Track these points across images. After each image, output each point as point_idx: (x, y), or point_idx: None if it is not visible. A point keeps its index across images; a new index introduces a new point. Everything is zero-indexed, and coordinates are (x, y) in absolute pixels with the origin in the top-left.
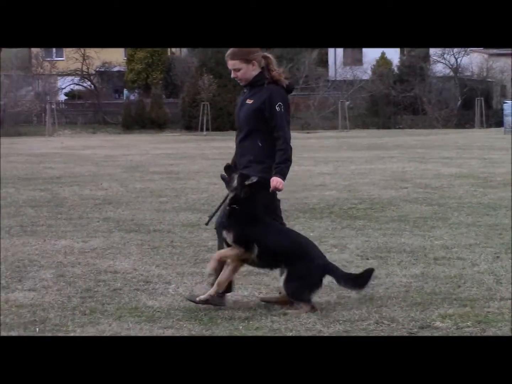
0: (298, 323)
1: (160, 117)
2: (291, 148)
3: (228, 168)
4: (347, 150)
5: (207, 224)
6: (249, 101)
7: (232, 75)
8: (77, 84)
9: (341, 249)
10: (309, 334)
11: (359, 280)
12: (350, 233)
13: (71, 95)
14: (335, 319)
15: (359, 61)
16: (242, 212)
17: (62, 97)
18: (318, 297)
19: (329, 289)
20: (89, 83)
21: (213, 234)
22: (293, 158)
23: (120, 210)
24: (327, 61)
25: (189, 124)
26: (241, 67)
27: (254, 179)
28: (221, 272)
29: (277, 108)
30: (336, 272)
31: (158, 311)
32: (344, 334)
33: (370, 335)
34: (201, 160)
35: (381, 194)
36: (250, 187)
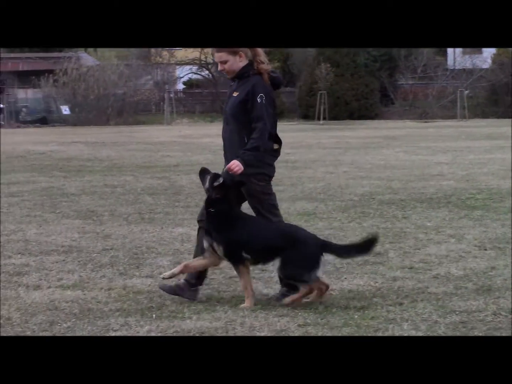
0: (414, 313)
1: (277, 106)
2: (265, 140)
3: (203, 171)
4: (466, 139)
5: None
6: (235, 94)
7: (219, 68)
8: (195, 73)
9: (458, 239)
10: (425, 324)
11: (362, 248)
12: (468, 224)
13: (189, 84)
14: (451, 310)
15: (478, 50)
16: (219, 215)
17: (180, 86)
18: (434, 287)
19: (445, 279)
20: (207, 72)
21: (329, 223)
22: (410, 147)
23: None
24: (446, 50)
25: (306, 113)
26: (228, 59)
27: (221, 179)
28: (195, 259)
29: (258, 99)
30: (333, 247)
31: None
32: (461, 325)
33: (487, 326)
34: (318, 149)
35: (500, 185)
36: (221, 188)
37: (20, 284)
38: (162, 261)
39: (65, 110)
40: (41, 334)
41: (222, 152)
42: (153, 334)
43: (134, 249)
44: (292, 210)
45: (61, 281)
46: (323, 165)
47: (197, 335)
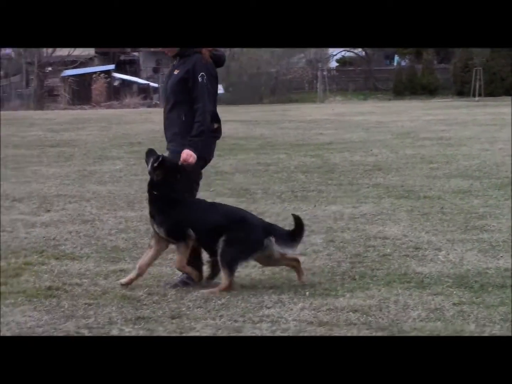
0: None
1: (431, 83)
2: (208, 121)
3: (149, 152)
4: None
5: None
6: (176, 72)
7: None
8: (348, 51)
9: None
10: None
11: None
12: None
13: (342, 61)
14: None
15: None
16: (161, 197)
17: (333, 64)
18: None
19: None
20: (360, 49)
21: (485, 201)
22: None
23: (390, 176)
24: None
25: (461, 90)
26: None
27: (159, 159)
28: (143, 255)
29: (199, 78)
30: (277, 230)
31: (427, 278)
32: None
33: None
34: (473, 126)
35: None
36: (161, 169)
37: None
38: (316, 239)
39: (219, 89)
40: (195, 311)
41: (375, 130)
42: (306, 312)
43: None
44: (447, 187)
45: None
46: (478, 142)
47: (351, 312)
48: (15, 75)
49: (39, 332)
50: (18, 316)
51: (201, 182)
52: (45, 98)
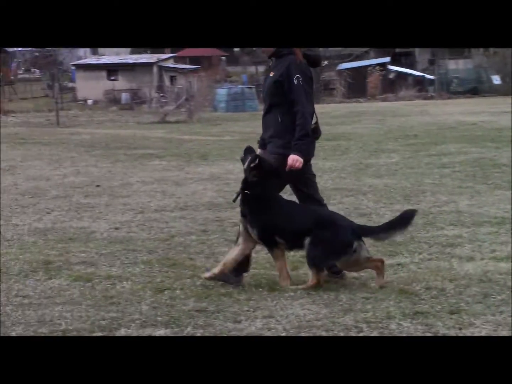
0: None
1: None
2: (310, 123)
3: (247, 150)
4: None
5: (234, 201)
6: (271, 74)
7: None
8: None
9: None
10: None
11: (400, 223)
12: None
13: None
14: None
15: None
16: (255, 197)
17: None
18: None
19: None
20: None
21: None
22: None
23: None
24: None
25: None
26: None
27: (257, 161)
28: (230, 252)
29: (294, 81)
30: (369, 230)
31: None
32: None
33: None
34: None
35: None
36: (257, 170)
37: (453, 255)
38: None
39: (496, 79)
40: (474, 306)
41: None
42: None
43: None
44: None
45: (494, 252)
46: None
47: None
48: None
49: (317, 325)
50: (298, 309)
51: (478, 175)
52: (321, 91)
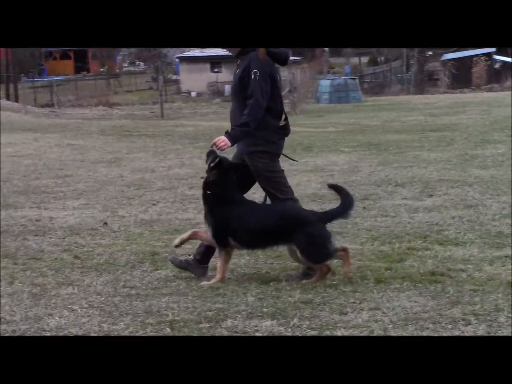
0: None
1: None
2: (256, 116)
3: (209, 153)
4: None
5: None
6: (237, 71)
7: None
8: None
9: None
10: None
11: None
12: None
13: None
14: None
15: None
16: (213, 197)
17: None
18: None
19: None
20: None
21: None
22: None
23: None
24: None
25: None
26: None
27: (216, 159)
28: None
29: (252, 75)
30: (335, 213)
31: None
32: None
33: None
34: None
35: None
36: (217, 170)
37: None
38: None
39: None
40: None
41: None
42: None
43: None
44: None
45: None
46: None
47: None
48: (395, 60)
49: (424, 317)
50: (404, 301)
51: None
52: (424, 82)
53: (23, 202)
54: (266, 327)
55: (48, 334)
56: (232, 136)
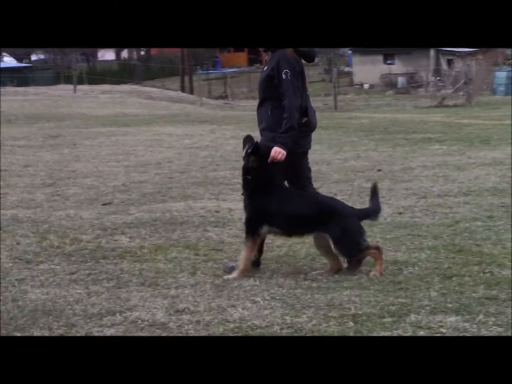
0: None
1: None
2: (296, 116)
3: (246, 139)
4: None
5: None
6: (265, 68)
7: None
8: None
9: None
10: None
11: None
12: None
13: None
14: None
15: None
16: (255, 182)
17: None
18: None
19: None
20: None
21: None
22: None
23: None
24: None
25: None
26: None
27: (253, 145)
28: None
29: (283, 75)
30: (369, 212)
31: None
32: None
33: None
34: None
35: None
36: (256, 157)
37: None
38: None
39: None
40: None
41: None
42: None
43: None
44: None
45: None
46: None
47: None
48: None
49: None
50: None
51: None
52: None
53: (202, 193)
54: (450, 322)
55: (231, 325)
56: (284, 144)
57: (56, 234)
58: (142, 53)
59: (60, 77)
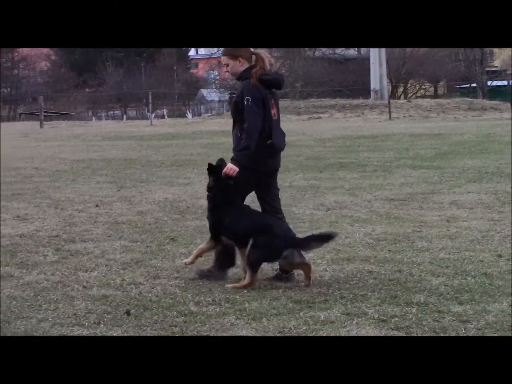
0: None
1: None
2: (253, 138)
3: (218, 161)
4: None
5: None
6: (235, 95)
7: (224, 70)
8: None
9: None
10: None
11: (319, 238)
12: None
13: None
14: None
15: None
16: (212, 198)
17: None
18: None
19: None
20: None
21: None
22: None
23: None
24: None
25: None
26: (228, 63)
27: (212, 166)
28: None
29: (245, 101)
30: (301, 244)
31: None
32: None
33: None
34: None
35: None
36: (214, 175)
37: None
38: None
39: None
40: None
41: None
42: None
43: None
44: None
45: None
46: None
47: None
48: None
49: None
50: None
51: None
52: None
53: None
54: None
55: None
56: (237, 161)
57: None
58: None
59: None
